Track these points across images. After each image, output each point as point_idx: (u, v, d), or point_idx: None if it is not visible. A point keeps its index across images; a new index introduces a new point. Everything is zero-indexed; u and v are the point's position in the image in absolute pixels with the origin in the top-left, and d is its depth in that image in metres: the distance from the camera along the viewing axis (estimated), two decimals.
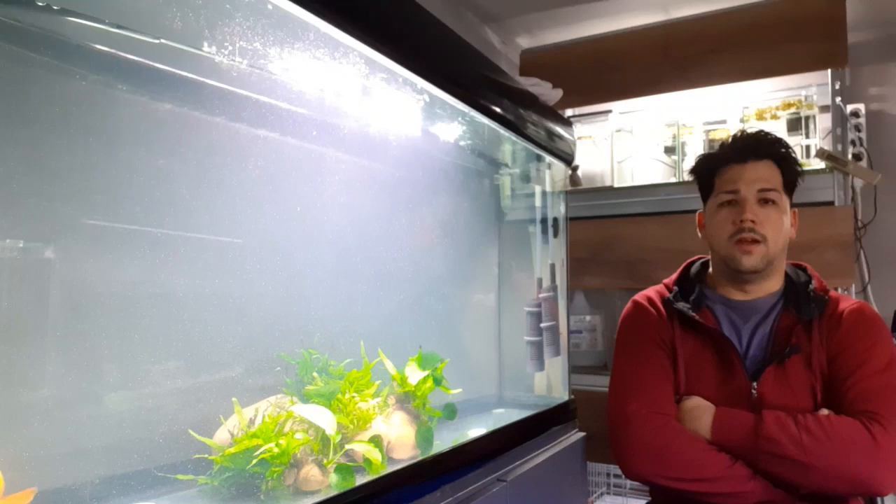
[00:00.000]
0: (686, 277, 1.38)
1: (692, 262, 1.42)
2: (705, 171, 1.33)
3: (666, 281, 1.38)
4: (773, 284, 1.29)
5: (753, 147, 1.27)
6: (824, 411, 1.15)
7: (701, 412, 1.20)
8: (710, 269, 1.36)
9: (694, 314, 1.27)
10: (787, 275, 1.32)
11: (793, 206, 1.30)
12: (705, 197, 1.34)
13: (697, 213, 1.38)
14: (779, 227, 1.24)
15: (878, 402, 1.13)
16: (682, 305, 1.29)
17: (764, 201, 1.24)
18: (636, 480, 1.26)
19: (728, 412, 1.19)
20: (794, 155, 1.29)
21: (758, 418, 1.14)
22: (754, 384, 1.21)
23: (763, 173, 1.24)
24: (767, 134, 1.30)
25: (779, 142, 1.28)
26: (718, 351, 1.26)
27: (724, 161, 1.29)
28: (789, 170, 1.27)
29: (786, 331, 1.23)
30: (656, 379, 1.25)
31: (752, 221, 1.22)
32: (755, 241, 1.22)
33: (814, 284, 1.27)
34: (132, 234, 0.84)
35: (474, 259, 1.70)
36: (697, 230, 1.38)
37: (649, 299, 1.36)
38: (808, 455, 1.09)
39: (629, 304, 1.39)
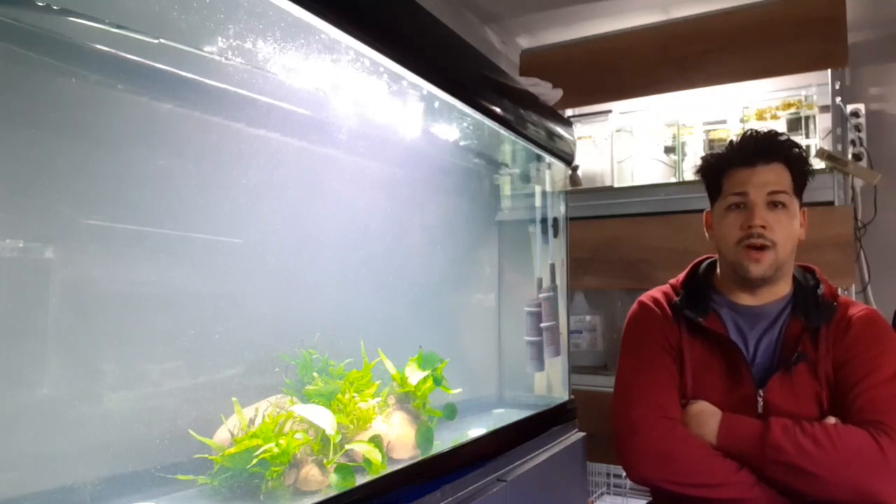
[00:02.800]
0: (693, 278, 1.35)
1: (700, 263, 1.38)
2: (712, 173, 1.29)
3: (673, 281, 1.36)
4: (782, 289, 1.27)
5: (763, 150, 1.23)
6: (831, 419, 1.14)
7: (707, 417, 1.19)
8: (718, 271, 1.34)
9: (701, 320, 1.25)
10: (794, 278, 1.29)
11: (802, 205, 1.26)
12: (713, 197, 1.31)
13: (704, 213, 1.35)
14: (788, 231, 1.21)
15: (885, 411, 1.12)
16: (689, 312, 1.26)
17: (773, 205, 1.21)
18: (641, 484, 1.26)
19: (734, 418, 1.18)
20: (804, 154, 1.26)
21: (765, 425, 1.13)
22: (760, 391, 1.19)
23: (772, 177, 1.21)
24: (777, 135, 1.26)
25: (790, 143, 1.25)
26: (726, 356, 1.24)
27: (732, 163, 1.25)
28: (799, 171, 1.24)
29: (793, 338, 1.21)
30: (662, 383, 1.23)
31: (762, 227, 1.19)
32: (764, 248, 1.19)
33: (822, 290, 1.25)
34: (132, 234, 0.84)
35: (474, 259, 1.70)
36: (704, 230, 1.35)
37: (655, 300, 1.34)
38: (814, 464, 1.08)
39: (635, 306, 1.36)
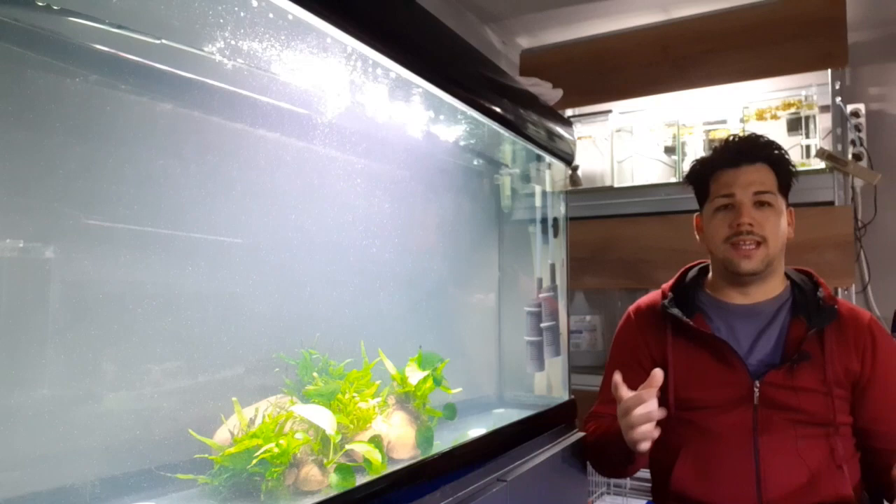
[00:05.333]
0: (682, 282, 1.38)
1: (690, 268, 1.43)
2: (700, 177, 1.34)
3: (664, 286, 1.40)
4: (775, 287, 1.29)
5: (746, 151, 1.27)
6: None
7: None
8: (710, 274, 1.37)
9: (687, 319, 1.28)
10: (792, 281, 1.32)
11: (789, 205, 1.30)
12: (701, 201, 1.35)
13: (695, 216, 1.38)
14: (776, 228, 1.24)
15: None
16: (675, 311, 1.30)
17: (760, 204, 1.24)
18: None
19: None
20: (787, 156, 1.29)
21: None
22: (757, 383, 1.21)
23: (757, 176, 1.25)
24: (759, 137, 1.31)
25: (771, 144, 1.29)
26: (714, 353, 1.26)
27: (717, 166, 1.30)
28: (783, 171, 1.28)
29: (797, 339, 1.23)
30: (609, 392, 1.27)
31: (750, 224, 1.22)
32: (756, 244, 1.23)
33: (822, 292, 1.27)
34: (132, 233, 0.84)
35: (474, 259, 1.70)
36: (695, 233, 1.38)
37: (638, 310, 1.41)
38: None
39: (624, 315, 1.44)
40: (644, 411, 1.10)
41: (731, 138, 1.32)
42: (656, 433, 1.12)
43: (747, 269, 1.23)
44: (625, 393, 1.15)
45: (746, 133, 1.34)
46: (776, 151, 1.28)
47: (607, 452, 1.31)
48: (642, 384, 1.12)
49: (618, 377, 1.16)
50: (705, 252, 1.41)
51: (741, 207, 1.24)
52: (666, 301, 1.33)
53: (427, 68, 1.03)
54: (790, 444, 1.19)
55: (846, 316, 1.25)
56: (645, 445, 1.13)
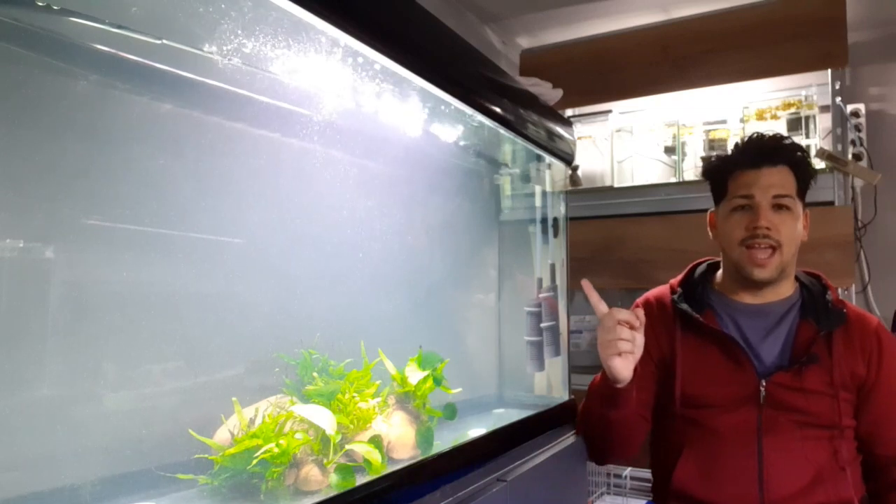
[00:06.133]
0: (691, 279, 1.37)
1: (698, 264, 1.41)
2: (718, 174, 1.32)
3: (672, 281, 1.39)
4: (785, 289, 1.29)
5: (769, 152, 1.25)
6: None
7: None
8: (720, 272, 1.36)
9: (697, 315, 1.27)
10: (801, 283, 1.31)
11: (805, 208, 1.29)
12: (718, 199, 1.33)
13: (709, 213, 1.37)
14: (792, 232, 1.23)
15: None
16: (685, 307, 1.29)
17: (778, 207, 1.23)
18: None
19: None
20: (808, 159, 1.28)
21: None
22: (763, 382, 1.21)
23: (778, 179, 1.23)
24: (784, 138, 1.28)
25: (795, 146, 1.27)
26: (723, 350, 1.26)
27: (738, 165, 1.27)
28: (803, 174, 1.26)
29: (805, 341, 1.23)
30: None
31: (767, 228, 1.21)
32: (770, 248, 1.22)
33: (830, 296, 1.27)
34: (132, 234, 0.84)
35: (474, 259, 1.70)
36: (708, 229, 1.37)
37: (647, 302, 1.38)
38: None
39: (632, 306, 1.39)
40: (625, 317, 1.11)
41: (754, 136, 1.29)
42: (638, 351, 1.11)
43: (761, 278, 1.23)
44: (604, 308, 1.14)
45: (771, 132, 1.30)
46: (799, 154, 1.26)
47: (593, 408, 1.27)
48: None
49: (590, 286, 1.15)
50: (707, 252, 1.41)
51: (759, 210, 1.22)
52: (676, 296, 1.32)
53: (427, 68, 1.03)
54: (794, 445, 1.19)
55: (854, 320, 1.25)
56: (623, 367, 1.11)
